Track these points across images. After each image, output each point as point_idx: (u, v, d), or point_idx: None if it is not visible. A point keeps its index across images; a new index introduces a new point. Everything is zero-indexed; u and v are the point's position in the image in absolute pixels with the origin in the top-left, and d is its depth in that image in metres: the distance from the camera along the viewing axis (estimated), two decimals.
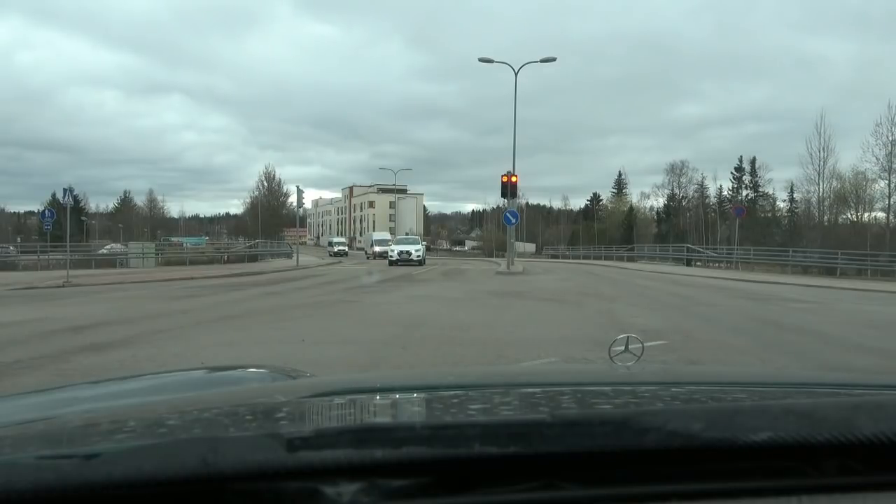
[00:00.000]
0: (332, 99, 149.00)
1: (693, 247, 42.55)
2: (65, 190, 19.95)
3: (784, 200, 58.69)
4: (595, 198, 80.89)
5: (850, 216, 45.00)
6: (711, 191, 65.17)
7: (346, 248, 61.87)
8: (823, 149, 42.94)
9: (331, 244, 64.79)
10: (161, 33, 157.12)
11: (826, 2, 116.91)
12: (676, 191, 66.23)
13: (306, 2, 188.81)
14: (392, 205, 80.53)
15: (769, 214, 59.65)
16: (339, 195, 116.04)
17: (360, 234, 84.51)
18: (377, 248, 47.15)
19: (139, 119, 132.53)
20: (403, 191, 79.39)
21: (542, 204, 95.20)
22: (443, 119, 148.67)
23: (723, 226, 57.76)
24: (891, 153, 37.62)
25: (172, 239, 66.16)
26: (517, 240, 47.39)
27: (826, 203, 45.10)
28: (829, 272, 26.96)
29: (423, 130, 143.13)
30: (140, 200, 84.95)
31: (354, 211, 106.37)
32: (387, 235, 57.56)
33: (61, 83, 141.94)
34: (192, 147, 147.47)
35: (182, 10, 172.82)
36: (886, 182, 38.64)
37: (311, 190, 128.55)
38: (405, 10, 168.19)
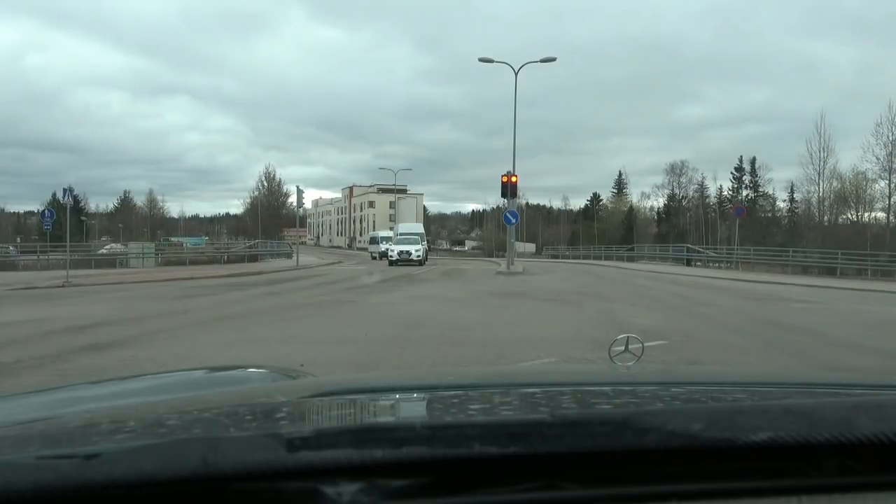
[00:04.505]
0: (338, 100, 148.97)
1: (693, 247, 42.52)
2: (65, 190, 19.93)
3: (784, 200, 58.85)
4: (595, 198, 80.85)
5: (850, 216, 45.07)
6: (711, 191, 65.27)
7: (419, 250, 33.68)
8: (824, 149, 43.05)
9: (375, 240, 48.63)
10: (171, 37, 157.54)
11: (825, 6, 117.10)
12: (676, 191, 66.31)
13: (317, 6, 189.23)
14: (392, 205, 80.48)
15: (769, 214, 59.67)
16: (339, 195, 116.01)
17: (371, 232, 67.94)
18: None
19: (144, 120, 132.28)
20: (403, 191, 79.14)
21: (542, 204, 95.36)
22: (446, 120, 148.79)
23: (723, 226, 57.74)
24: (891, 153, 37.72)
25: (172, 239, 66.05)
26: (517, 240, 47.33)
27: (826, 203, 45.16)
28: (829, 272, 26.93)
29: (426, 131, 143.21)
30: (140, 200, 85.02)
31: (354, 211, 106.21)
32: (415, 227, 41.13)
33: (69, 85, 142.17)
34: (196, 147, 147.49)
35: (193, 14, 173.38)
36: (886, 182, 38.77)
37: (312, 190, 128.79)
38: (413, 14, 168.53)
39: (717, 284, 19.49)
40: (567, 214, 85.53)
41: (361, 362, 6.12)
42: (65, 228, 20.62)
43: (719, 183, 64.98)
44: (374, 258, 45.33)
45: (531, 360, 6.16)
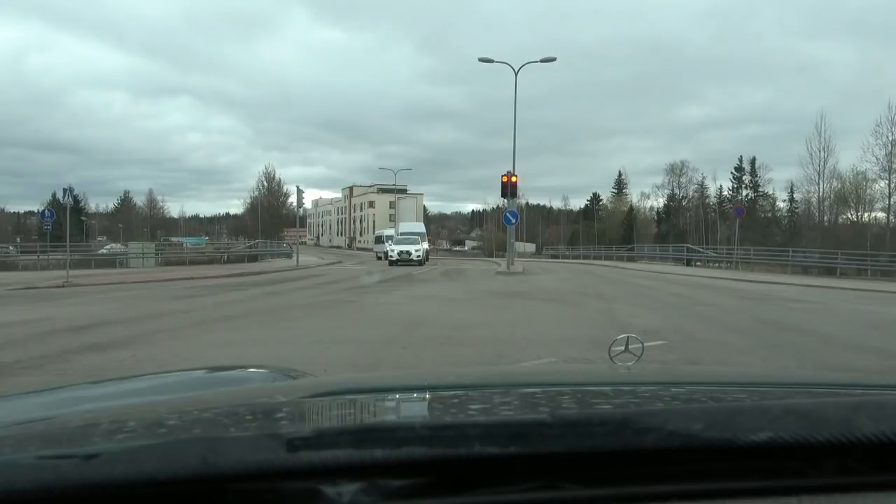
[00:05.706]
0: (339, 101, 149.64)
1: (693, 247, 42.53)
2: (65, 190, 19.91)
3: (784, 200, 58.87)
4: (595, 198, 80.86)
5: (850, 216, 45.07)
6: (711, 191, 65.31)
7: (420, 250, 33.08)
8: (824, 149, 43.12)
9: (380, 239, 47.08)
10: (174, 37, 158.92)
11: (825, 8, 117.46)
12: (676, 191, 66.33)
13: (320, 7, 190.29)
14: (392, 205, 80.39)
15: (769, 214, 59.67)
16: (339, 195, 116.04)
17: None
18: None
19: (146, 120, 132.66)
20: (403, 191, 79.12)
21: (542, 204, 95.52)
22: (448, 121, 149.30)
23: (723, 226, 57.74)
24: (891, 153, 37.76)
25: (172, 239, 66.04)
26: (517, 240, 47.32)
27: (826, 203, 45.19)
28: (829, 272, 26.93)
29: (427, 132, 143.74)
30: (140, 200, 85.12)
31: (354, 211, 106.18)
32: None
33: (70, 85, 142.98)
34: (198, 148, 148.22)
35: (196, 14, 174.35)
36: (886, 182, 38.80)
37: (313, 190, 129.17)
38: (414, 16, 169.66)
39: (717, 284, 19.48)
40: (567, 214, 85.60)
41: (361, 362, 6.11)
42: (65, 228, 20.63)
43: (719, 183, 65.13)
44: (378, 258, 42.61)
45: (531, 360, 6.15)
